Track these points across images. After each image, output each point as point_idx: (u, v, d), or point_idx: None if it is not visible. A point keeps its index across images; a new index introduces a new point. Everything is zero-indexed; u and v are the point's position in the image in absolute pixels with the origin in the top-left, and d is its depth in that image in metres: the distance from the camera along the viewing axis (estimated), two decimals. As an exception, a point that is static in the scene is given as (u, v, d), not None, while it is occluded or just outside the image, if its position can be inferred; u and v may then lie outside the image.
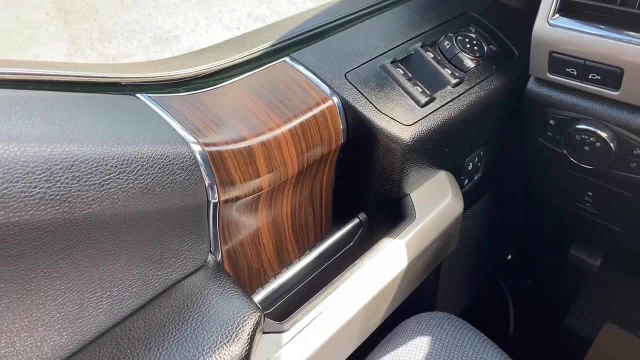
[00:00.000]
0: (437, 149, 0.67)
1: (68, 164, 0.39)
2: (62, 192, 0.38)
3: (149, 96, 0.52)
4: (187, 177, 0.47)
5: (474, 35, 0.74)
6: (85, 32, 2.87)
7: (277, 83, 0.60)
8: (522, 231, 1.09)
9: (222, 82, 0.58)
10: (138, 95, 0.51)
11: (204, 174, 0.49)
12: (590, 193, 0.85)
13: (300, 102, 0.60)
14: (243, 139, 0.53)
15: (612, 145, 0.70)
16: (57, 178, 0.38)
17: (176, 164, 0.46)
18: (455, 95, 0.68)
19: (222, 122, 0.53)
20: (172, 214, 0.47)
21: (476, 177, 0.80)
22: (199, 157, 0.49)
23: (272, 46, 0.64)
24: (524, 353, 1.10)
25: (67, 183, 0.39)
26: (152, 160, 0.44)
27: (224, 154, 0.51)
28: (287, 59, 0.64)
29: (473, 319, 1.03)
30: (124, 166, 0.42)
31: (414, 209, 0.64)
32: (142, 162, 0.43)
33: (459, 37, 0.73)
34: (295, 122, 0.58)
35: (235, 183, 0.53)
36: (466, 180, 0.77)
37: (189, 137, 0.49)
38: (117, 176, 0.42)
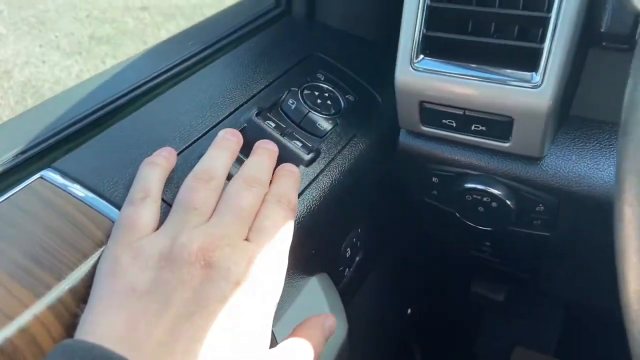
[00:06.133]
0: (300, 254, 0.49)
1: None
2: None
3: None
4: None
5: (324, 85, 0.57)
6: None
7: (23, 224, 0.37)
8: (418, 286, 0.95)
9: None
10: None
11: None
12: (488, 243, 0.72)
13: (68, 249, 0.37)
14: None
15: (509, 203, 0.57)
16: None
17: None
18: (312, 178, 0.49)
19: None
20: None
21: (357, 259, 0.62)
22: None
23: (17, 156, 0.40)
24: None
25: None
26: None
27: None
28: (45, 173, 0.41)
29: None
30: None
31: None
32: None
33: (306, 91, 0.55)
34: (62, 289, 0.35)
35: None
36: (346, 270, 0.60)
37: None
38: None
